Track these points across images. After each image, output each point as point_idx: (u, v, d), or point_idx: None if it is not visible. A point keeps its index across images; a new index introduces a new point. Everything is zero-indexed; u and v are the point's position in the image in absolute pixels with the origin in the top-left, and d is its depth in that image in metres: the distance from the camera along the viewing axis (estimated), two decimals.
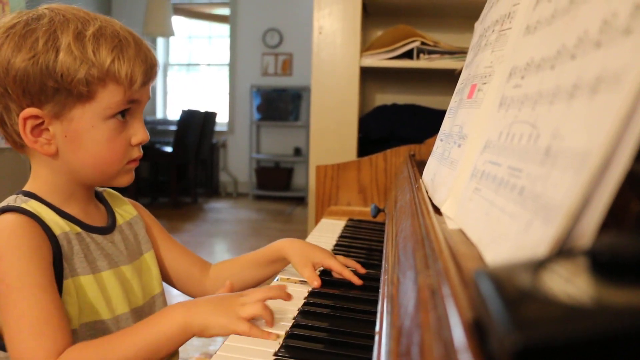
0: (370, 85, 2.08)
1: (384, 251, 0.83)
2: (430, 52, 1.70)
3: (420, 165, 1.00)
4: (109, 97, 0.67)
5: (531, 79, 0.44)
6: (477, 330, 0.26)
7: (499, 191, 0.42)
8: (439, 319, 0.31)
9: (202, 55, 6.42)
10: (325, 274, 0.87)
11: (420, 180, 0.86)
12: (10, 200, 0.68)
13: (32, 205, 0.67)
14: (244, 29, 5.95)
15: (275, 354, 0.61)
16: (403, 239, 0.64)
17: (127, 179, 0.74)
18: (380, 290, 0.67)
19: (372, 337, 0.55)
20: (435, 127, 0.93)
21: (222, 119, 5.93)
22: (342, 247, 1.08)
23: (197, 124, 5.07)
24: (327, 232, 1.21)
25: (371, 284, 0.83)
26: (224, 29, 6.17)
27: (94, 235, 0.73)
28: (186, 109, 5.18)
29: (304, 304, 0.76)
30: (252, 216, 4.95)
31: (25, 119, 0.65)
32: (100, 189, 0.82)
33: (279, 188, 5.75)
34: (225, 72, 6.17)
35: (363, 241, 1.14)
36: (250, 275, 0.89)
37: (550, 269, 0.25)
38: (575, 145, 0.31)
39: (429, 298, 0.36)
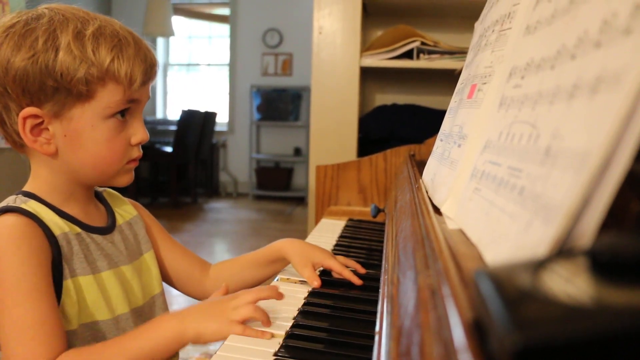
0: (370, 85, 2.08)
1: (384, 251, 0.83)
2: (430, 52, 1.70)
3: (420, 165, 1.00)
4: (109, 97, 0.67)
5: (531, 79, 0.44)
6: (477, 330, 0.26)
7: (499, 191, 0.42)
8: (439, 319, 0.31)
9: (202, 55, 6.42)
10: (325, 274, 0.87)
11: (420, 180, 0.86)
12: (10, 201, 0.68)
13: (32, 206, 0.67)
14: (244, 29, 5.95)
15: (275, 354, 0.61)
16: (403, 239, 0.64)
17: (126, 179, 0.74)
18: (380, 290, 0.67)
19: (372, 337, 0.55)
20: (435, 127, 0.93)
21: (222, 119, 5.93)
22: (342, 247, 1.08)
23: (197, 124, 5.07)
24: (327, 232, 1.21)
25: (371, 284, 0.83)
26: (224, 29, 6.17)
27: (94, 236, 0.73)
28: (186, 109, 5.18)
29: (304, 304, 0.76)
30: (252, 216, 4.95)
31: (25, 119, 0.65)
32: (100, 189, 0.82)
33: (279, 188, 5.75)
34: (225, 72, 6.17)
35: (363, 241, 1.14)
36: (250, 275, 0.89)
37: (550, 269, 0.25)
38: (575, 145, 0.31)
39: (429, 298, 0.36)
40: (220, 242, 4.05)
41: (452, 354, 0.26)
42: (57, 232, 0.67)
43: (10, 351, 0.59)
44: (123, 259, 0.76)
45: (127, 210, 0.83)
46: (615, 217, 0.34)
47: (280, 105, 5.71)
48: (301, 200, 5.64)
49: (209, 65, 6.37)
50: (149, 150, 5.01)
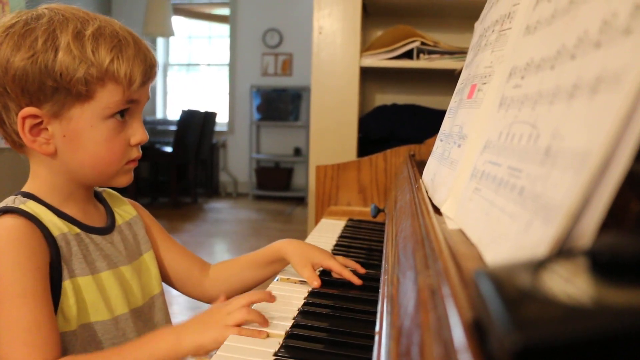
0: (370, 85, 2.08)
1: (384, 251, 0.83)
2: (430, 52, 1.70)
3: (420, 165, 1.00)
4: (108, 97, 0.67)
5: (531, 79, 0.44)
6: (477, 330, 0.26)
7: (499, 191, 0.42)
8: (439, 319, 0.31)
9: (202, 55, 6.42)
10: (325, 274, 0.87)
11: (420, 180, 0.86)
12: (8, 201, 0.68)
13: (31, 206, 0.67)
14: (244, 29, 5.95)
15: (275, 354, 0.61)
16: (403, 239, 0.64)
17: (125, 179, 0.74)
18: (380, 291, 0.67)
19: (372, 337, 0.55)
20: (435, 127, 0.93)
21: (222, 119, 5.93)
22: (342, 247, 1.08)
23: (197, 124, 5.07)
24: (327, 232, 1.21)
25: (371, 284, 0.83)
26: (224, 29, 6.17)
27: (93, 236, 0.73)
28: (186, 109, 5.18)
29: (304, 304, 0.76)
30: (252, 216, 4.95)
31: (24, 118, 0.65)
32: (99, 189, 0.82)
33: (279, 188, 5.75)
34: (225, 72, 6.17)
35: (363, 241, 1.14)
36: (250, 275, 0.89)
37: (550, 269, 0.25)
38: (575, 145, 0.31)
39: (428, 298, 0.36)
40: (220, 242, 4.05)
41: (452, 354, 0.26)
42: (55, 232, 0.67)
43: (5, 355, 0.59)
44: (122, 259, 0.76)
45: (126, 211, 0.83)
46: (615, 217, 0.34)
47: (280, 105, 5.71)
48: (301, 200, 5.64)
49: (209, 65, 6.37)
50: (149, 150, 5.01)
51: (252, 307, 0.69)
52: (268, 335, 0.65)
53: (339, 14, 1.74)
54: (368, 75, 2.01)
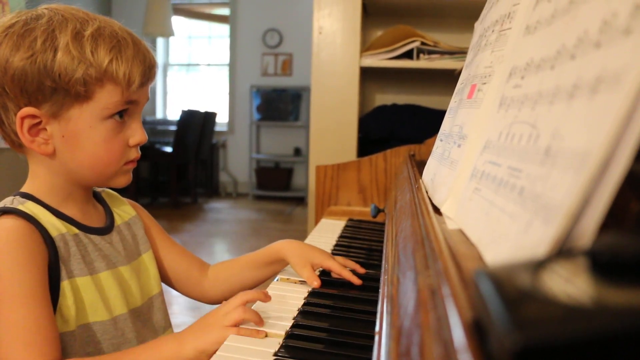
0: (370, 85, 2.08)
1: (384, 251, 0.83)
2: (430, 52, 1.70)
3: (420, 165, 1.00)
4: (107, 98, 0.67)
5: (531, 79, 0.44)
6: (477, 330, 0.26)
7: (498, 191, 0.42)
8: (439, 319, 0.31)
9: (202, 55, 6.42)
10: (324, 274, 0.87)
11: (420, 180, 0.86)
12: (7, 202, 0.68)
13: (29, 207, 0.67)
14: (243, 29, 5.95)
15: (275, 354, 0.61)
16: (403, 239, 0.64)
17: (124, 180, 0.74)
18: (380, 291, 0.67)
19: (372, 337, 0.55)
20: (435, 127, 0.93)
21: (222, 119, 5.93)
22: (342, 247, 1.08)
23: (197, 124, 5.07)
24: (327, 232, 1.21)
25: (371, 284, 0.83)
26: (224, 29, 6.17)
27: (92, 236, 0.73)
28: (186, 109, 5.18)
29: (304, 304, 0.76)
30: (252, 216, 4.95)
31: (23, 118, 0.65)
32: (99, 189, 0.82)
33: (279, 188, 5.75)
34: (225, 72, 6.17)
35: (363, 241, 1.14)
36: (249, 276, 0.89)
37: (550, 269, 0.25)
38: (575, 145, 0.31)
39: (428, 298, 0.36)
40: (220, 242, 4.05)
41: (452, 354, 0.26)
42: (54, 233, 0.67)
43: (5, 356, 0.59)
44: (121, 260, 0.76)
45: (125, 211, 0.83)
46: (615, 217, 0.34)
47: (280, 105, 5.71)
48: (301, 200, 5.64)
49: (208, 65, 6.37)
50: (149, 150, 5.01)
51: (252, 308, 0.69)
52: (267, 335, 0.65)
53: (339, 14, 1.74)
54: (368, 75, 2.01)
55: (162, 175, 5.64)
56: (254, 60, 5.93)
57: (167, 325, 0.82)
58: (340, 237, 1.17)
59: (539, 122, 0.38)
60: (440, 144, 0.81)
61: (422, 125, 1.76)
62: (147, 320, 0.78)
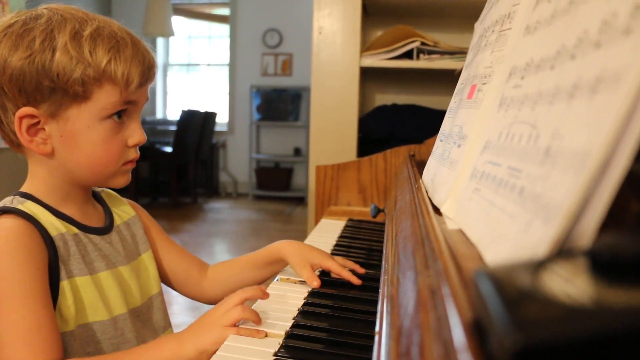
0: (370, 85, 2.08)
1: (384, 251, 0.83)
2: (430, 52, 1.70)
3: (420, 165, 1.00)
4: (105, 98, 0.67)
5: (531, 79, 0.44)
6: (477, 330, 0.26)
7: (498, 191, 0.42)
8: (439, 319, 0.31)
9: (202, 55, 6.42)
10: (324, 274, 0.87)
11: (420, 180, 0.86)
12: (6, 202, 0.68)
13: (29, 207, 0.67)
14: (243, 29, 5.95)
15: (275, 354, 0.61)
16: (403, 239, 0.64)
17: (123, 180, 0.74)
18: (380, 291, 0.67)
19: (372, 337, 0.55)
20: (435, 127, 0.93)
21: (222, 119, 5.93)
22: (342, 247, 1.08)
23: (197, 124, 5.07)
24: (327, 232, 1.21)
25: (371, 284, 0.83)
26: (224, 29, 6.17)
27: (92, 236, 0.73)
28: (186, 109, 5.18)
29: (304, 304, 0.76)
30: (252, 216, 4.95)
31: (21, 118, 0.65)
32: (98, 189, 0.82)
33: (278, 188, 5.75)
34: (225, 72, 6.17)
35: (363, 241, 1.14)
36: (249, 276, 0.89)
37: (550, 269, 0.25)
38: (575, 145, 0.31)
39: (428, 298, 0.36)
40: (220, 243, 4.05)
41: (452, 354, 0.26)
42: (53, 233, 0.67)
43: (6, 356, 0.59)
44: (121, 260, 0.76)
45: (125, 211, 0.83)
46: (615, 217, 0.34)
47: (280, 105, 5.71)
48: (301, 201, 5.64)
49: (208, 65, 6.37)
50: (149, 150, 5.01)
51: (252, 308, 0.69)
52: (266, 335, 0.65)
53: (339, 14, 1.74)
54: (368, 75, 2.01)
55: (162, 175, 5.64)
56: (254, 60, 5.93)
57: (167, 325, 0.82)
58: (340, 237, 1.17)
59: (539, 122, 0.38)
60: (440, 144, 0.81)
61: (422, 125, 1.76)
62: (147, 320, 0.78)
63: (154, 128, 5.83)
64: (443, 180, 0.68)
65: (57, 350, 0.61)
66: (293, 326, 0.68)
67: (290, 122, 5.74)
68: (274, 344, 0.63)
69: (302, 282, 0.85)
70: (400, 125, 1.85)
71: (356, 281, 0.83)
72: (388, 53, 1.72)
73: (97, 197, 0.80)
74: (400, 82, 2.06)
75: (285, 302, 0.77)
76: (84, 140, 0.68)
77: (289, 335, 0.65)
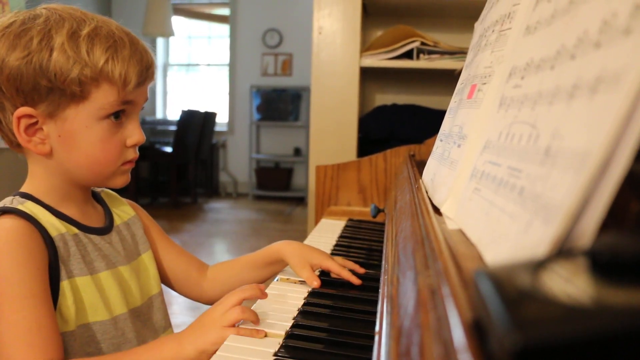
0: (370, 85, 2.08)
1: (384, 251, 0.83)
2: (430, 52, 1.70)
3: (420, 165, 1.00)
4: (103, 98, 0.67)
5: (531, 79, 0.44)
6: (477, 330, 0.26)
7: (498, 191, 0.42)
8: (439, 319, 0.31)
9: (201, 55, 6.42)
10: (324, 274, 0.87)
11: (420, 180, 0.86)
12: (6, 202, 0.68)
13: (29, 207, 0.67)
14: (243, 29, 5.95)
15: (275, 354, 0.61)
16: (403, 239, 0.64)
17: (122, 181, 0.74)
18: (380, 291, 0.67)
19: (372, 337, 0.55)
20: (435, 127, 0.93)
21: (222, 119, 5.93)
22: (342, 247, 1.08)
23: (197, 124, 5.07)
24: (327, 232, 1.21)
25: (371, 284, 0.83)
26: (224, 29, 6.17)
27: (92, 236, 0.73)
28: (186, 109, 5.18)
29: (304, 304, 0.76)
30: (252, 216, 4.95)
31: (19, 118, 0.65)
32: (98, 190, 0.82)
33: (278, 188, 5.75)
34: (225, 72, 6.17)
35: (363, 241, 1.14)
36: (249, 276, 0.89)
37: (550, 269, 0.25)
38: (575, 145, 0.31)
39: (428, 298, 0.36)
40: (220, 243, 4.05)
41: (452, 354, 0.26)
42: (53, 233, 0.67)
43: (7, 356, 0.59)
44: (121, 260, 0.76)
45: (125, 211, 0.83)
46: (615, 217, 0.34)
47: (280, 105, 5.71)
48: (301, 201, 5.64)
49: (208, 65, 6.37)
50: (149, 150, 5.01)
51: (252, 308, 0.69)
52: (266, 335, 0.65)
53: (339, 14, 1.74)
54: (368, 75, 2.01)
55: (162, 175, 5.64)
56: (253, 60, 5.93)
57: (167, 325, 0.82)
58: (340, 237, 1.17)
59: (539, 122, 0.38)
60: (440, 144, 0.81)
61: (422, 125, 1.76)
62: (147, 320, 0.78)
63: (154, 128, 5.83)
64: (443, 180, 0.68)
65: (58, 351, 0.61)
66: (293, 326, 0.68)
67: (290, 122, 5.74)
68: (274, 344, 0.63)
69: (302, 282, 0.85)
70: (400, 125, 1.85)
71: (356, 281, 0.83)
72: (388, 53, 1.72)
73: (97, 197, 0.80)
74: (400, 82, 2.06)
75: (285, 302, 0.77)
76: (82, 140, 0.68)
77: (289, 335, 0.65)
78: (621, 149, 0.27)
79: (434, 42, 1.71)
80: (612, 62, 0.29)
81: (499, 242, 0.38)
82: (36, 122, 0.66)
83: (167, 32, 5.32)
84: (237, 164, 6.06)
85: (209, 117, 5.27)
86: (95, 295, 0.69)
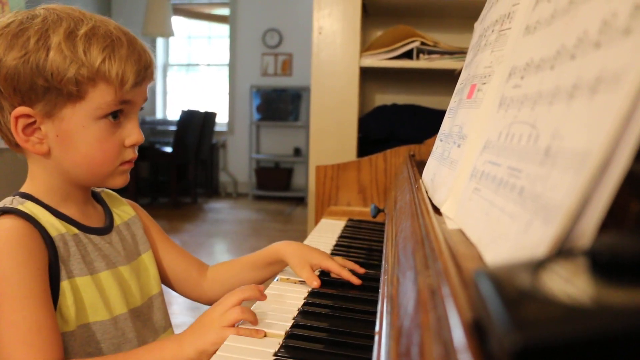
0: (370, 85, 2.08)
1: (384, 251, 0.83)
2: (430, 52, 1.70)
3: (420, 165, 1.00)
4: (100, 97, 0.66)
5: (531, 79, 0.44)
6: (477, 331, 0.26)
7: (498, 191, 0.42)
8: (439, 319, 0.31)
9: (201, 55, 6.41)
10: (324, 274, 0.87)
11: (420, 180, 0.86)
12: (6, 202, 0.68)
13: (29, 207, 0.67)
14: (243, 29, 5.95)
15: (275, 354, 0.61)
16: (403, 239, 0.64)
17: (120, 181, 0.73)
18: (380, 291, 0.67)
19: (372, 337, 0.55)
20: (435, 127, 0.93)
21: (222, 119, 5.93)
22: (342, 248, 1.08)
23: (197, 124, 5.07)
24: (327, 232, 1.21)
25: (371, 284, 0.83)
26: (224, 29, 6.17)
27: (92, 236, 0.73)
28: (186, 109, 5.18)
29: (304, 304, 0.76)
30: (252, 216, 4.95)
31: (17, 118, 0.65)
32: (98, 190, 0.82)
33: (278, 188, 5.75)
34: (225, 72, 6.17)
35: (363, 241, 1.14)
36: (249, 277, 0.89)
37: (550, 269, 0.25)
38: (575, 145, 0.31)
39: (428, 298, 0.36)
40: (220, 243, 4.05)
41: (452, 354, 0.26)
42: (53, 233, 0.67)
43: (7, 356, 0.59)
44: (121, 260, 0.76)
45: (125, 211, 0.83)
46: (615, 217, 0.34)
47: (280, 105, 5.71)
48: (301, 201, 5.64)
49: (208, 65, 6.37)
50: (149, 150, 5.01)
51: (252, 308, 0.69)
52: (266, 335, 0.65)
53: (339, 14, 1.74)
54: (368, 75, 2.01)
55: (162, 175, 5.64)
56: (253, 60, 5.93)
57: (167, 325, 0.82)
58: (340, 237, 1.17)
59: (539, 122, 0.38)
60: (440, 144, 0.81)
61: (422, 125, 1.76)
62: (147, 320, 0.78)
63: (153, 128, 5.82)
64: (443, 180, 0.68)
65: (58, 351, 0.61)
66: (293, 326, 0.68)
67: (290, 122, 5.74)
68: (274, 344, 0.63)
69: (302, 282, 0.85)
70: (400, 125, 1.85)
71: (356, 281, 0.83)
72: (388, 53, 1.72)
73: (97, 198, 0.80)
74: (400, 82, 2.06)
75: (285, 302, 0.77)
76: (79, 140, 0.68)
77: (288, 335, 0.65)
78: (621, 149, 0.27)
79: (434, 42, 1.71)
80: (612, 62, 0.29)
81: (498, 242, 0.38)
82: (34, 122, 0.66)
83: (167, 32, 5.32)
84: (237, 164, 6.06)
85: (209, 117, 5.27)
86: (96, 295, 0.69)
